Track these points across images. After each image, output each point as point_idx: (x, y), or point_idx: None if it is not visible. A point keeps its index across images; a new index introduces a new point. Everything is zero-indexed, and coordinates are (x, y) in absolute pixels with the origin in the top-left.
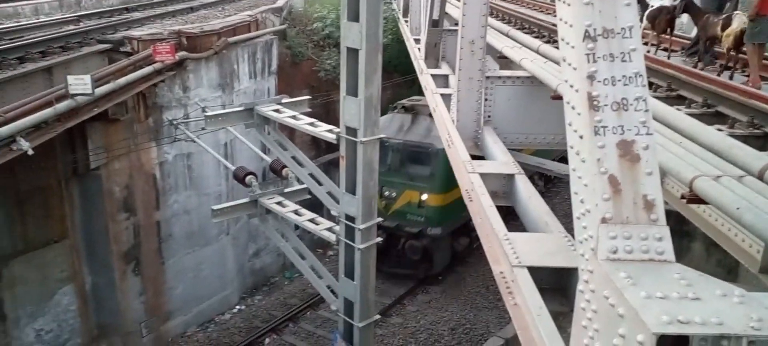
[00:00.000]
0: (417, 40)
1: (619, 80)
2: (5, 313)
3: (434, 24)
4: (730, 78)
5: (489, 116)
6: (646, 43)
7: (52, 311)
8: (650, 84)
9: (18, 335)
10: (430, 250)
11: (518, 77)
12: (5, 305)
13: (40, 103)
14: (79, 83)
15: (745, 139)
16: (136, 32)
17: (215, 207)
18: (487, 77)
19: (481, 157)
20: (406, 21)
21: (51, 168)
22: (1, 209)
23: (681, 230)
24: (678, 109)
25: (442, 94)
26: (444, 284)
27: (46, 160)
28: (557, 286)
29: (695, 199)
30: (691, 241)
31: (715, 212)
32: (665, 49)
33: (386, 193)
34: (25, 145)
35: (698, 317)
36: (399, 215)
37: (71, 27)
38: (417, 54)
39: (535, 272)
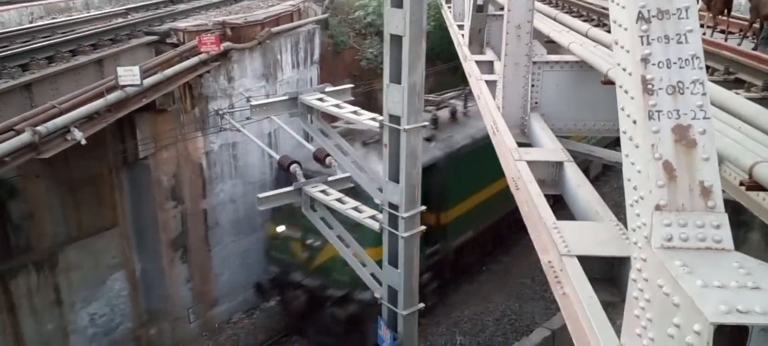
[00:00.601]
0: (460, 26)
1: (675, 63)
2: (62, 298)
3: (479, 9)
4: None
5: (536, 102)
6: (701, 26)
7: (105, 296)
8: (707, 68)
9: (73, 319)
10: (360, 318)
11: (567, 62)
12: (61, 291)
13: (92, 95)
14: (129, 74)
15: None
16: (181, 24)
17: (261, 195)
18: (534, 62)
19: (528, 145)
20: (450, 7)
21: (102, 158)
22: (57, 197)
23: (737, 219)
24: (736, 93)
25: (486, 81)
26: (489, 273)
27: (98, 150)
28: (608, 276)
29: (755, 186)
30: (749, 231)
31: None
32: (722, 31)
33: (309, 242)
34: (78, 135)
35: (758, 307)
36: (323, 273)
37: (120, 20)
38: (461, 40)
39: (585, 262)
